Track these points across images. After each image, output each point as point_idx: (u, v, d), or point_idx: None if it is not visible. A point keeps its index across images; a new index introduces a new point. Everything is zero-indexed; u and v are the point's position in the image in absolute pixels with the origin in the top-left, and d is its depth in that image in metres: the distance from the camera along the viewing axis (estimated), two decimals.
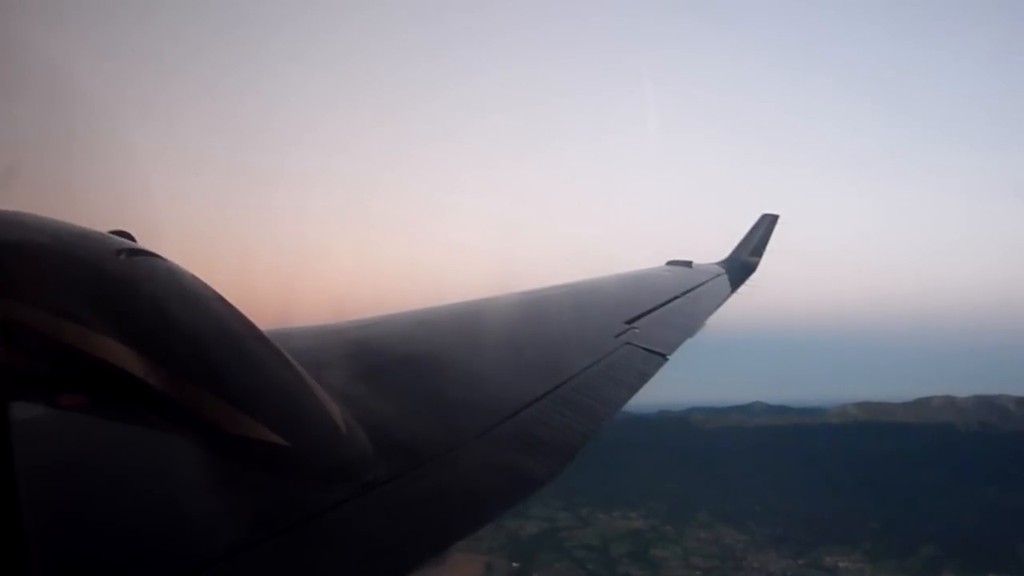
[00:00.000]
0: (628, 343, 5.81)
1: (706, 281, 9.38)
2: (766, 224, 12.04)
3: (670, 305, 7.55)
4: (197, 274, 3.16)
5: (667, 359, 5.93)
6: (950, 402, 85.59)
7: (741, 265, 11.01)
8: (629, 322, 6.29)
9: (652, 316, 6.84)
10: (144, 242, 3.28)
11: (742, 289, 10.04)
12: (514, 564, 56.97)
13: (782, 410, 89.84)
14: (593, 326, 6.24)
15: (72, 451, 2.52)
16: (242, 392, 2.79)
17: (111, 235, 3.23)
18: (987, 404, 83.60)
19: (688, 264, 9.97)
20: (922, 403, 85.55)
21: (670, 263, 9.90)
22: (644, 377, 5.44)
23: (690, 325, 7.23)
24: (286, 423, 2.77)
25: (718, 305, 8.68)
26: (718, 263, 10.94)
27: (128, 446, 2.67)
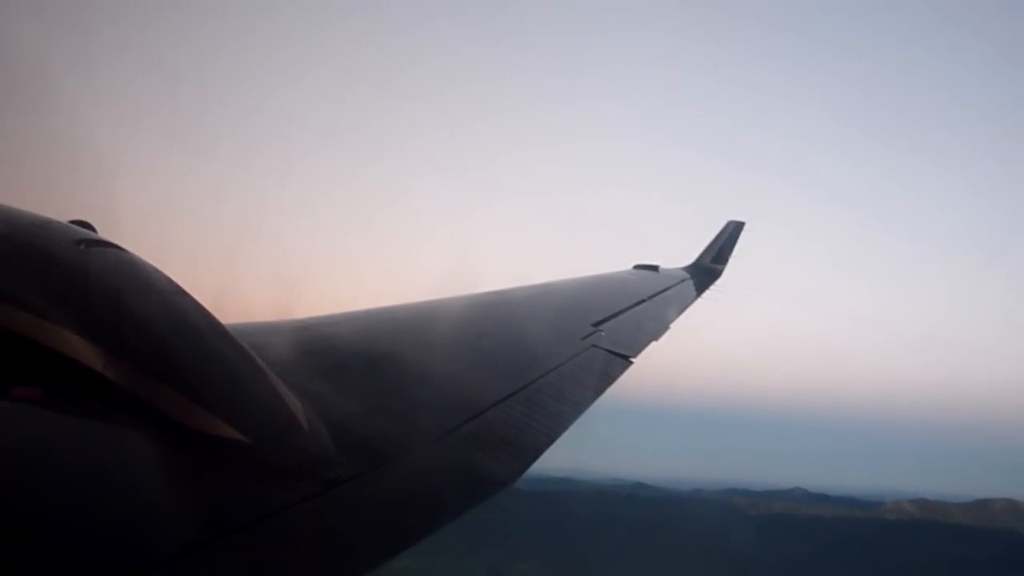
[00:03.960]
0: (594, 345, 5.84)
1: (672, 285, 9.44)
2: (731, 230, 12.16)
3: (636, 308, 7.60)
4: (159, 267, 3.11)
5: (632, 362, 5.98)
6: (1013, 506, 78.07)
7: (706, 271, 11.10)
8: (595, 324, 6.32)
9: (618, 319, 6.87)
10: (105, 233, 3.22)
11: (707, 294, 10.14)
12: None
13: (823, 499, 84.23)
14: (559, 328, 6.25)
15: (24, 444, 2.46)
16: (202, 387, 2.75)
17: (71, 225, 3.17)
18: None
19: (655, 268, 10.04)
20: (983, 505, 78.59)
21: (637, 267, 9.95)
22: (609, 380, 5.47)
23: (656, 329, 7.29)
24: (247, 419, 2.73)
25: (683, 310, 8.76)
26: (684, 268, 11.03)
27: (83, 440, 2.62)
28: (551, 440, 4.14)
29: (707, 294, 10.14)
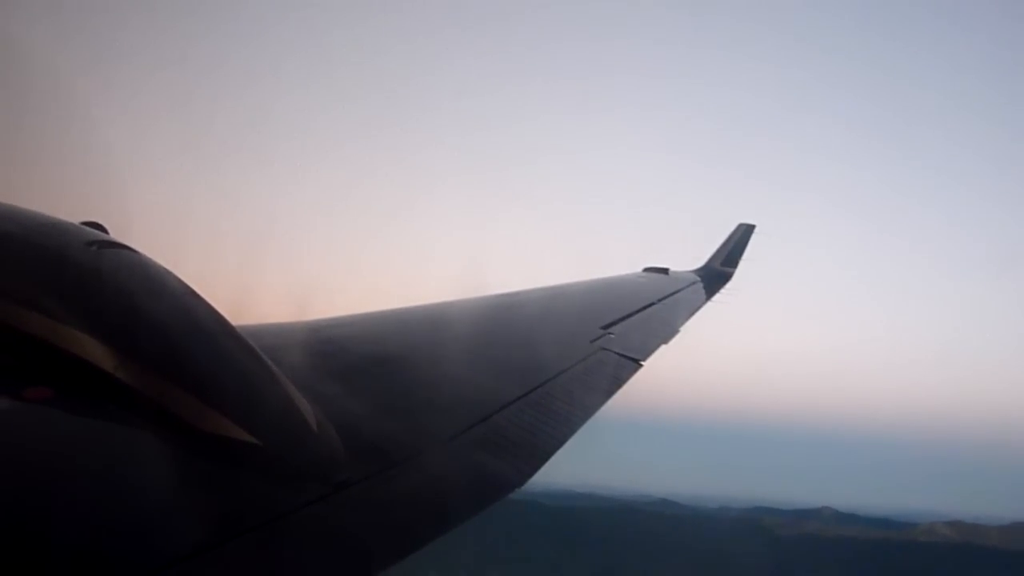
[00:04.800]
0: (604, 348, 5.82)
1: (682, 288, 9.42)
2: (741, 233, 12.13)
3: (646, 311, 7.58)
4: (171, 269, 3.12)
5: (642, 365, 5.96)
6: None
7: (716, 274, 11.07)
8: (605, 327, 6.31)
9: (628, 322, 6.86)
10: (117, 234, 3.23)
11: (718, 297, 10.10)
12: None
13: (853, 519, 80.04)
14: (569, 330, 6.24)
15: (36, 445, 2.47)
16: (212, 388, 2.75)
17: (83, 226, 3.18)
18: None
19: (665, 271, 10.01)
20: (1021, 528, 72.32)
21: (647, 269, 9.93)
22: (619, 383, 5.45)
23: (665, 332, 7.27)
24: (257, 420, 2.73)
25: (693, 313, 8.73)
26: (693, 271, 11.00)
27: (94, 441, 2.62)
28: (561, 443, 4.13)
29: (717, 297, 10.11)
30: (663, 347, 6.78)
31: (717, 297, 10.10)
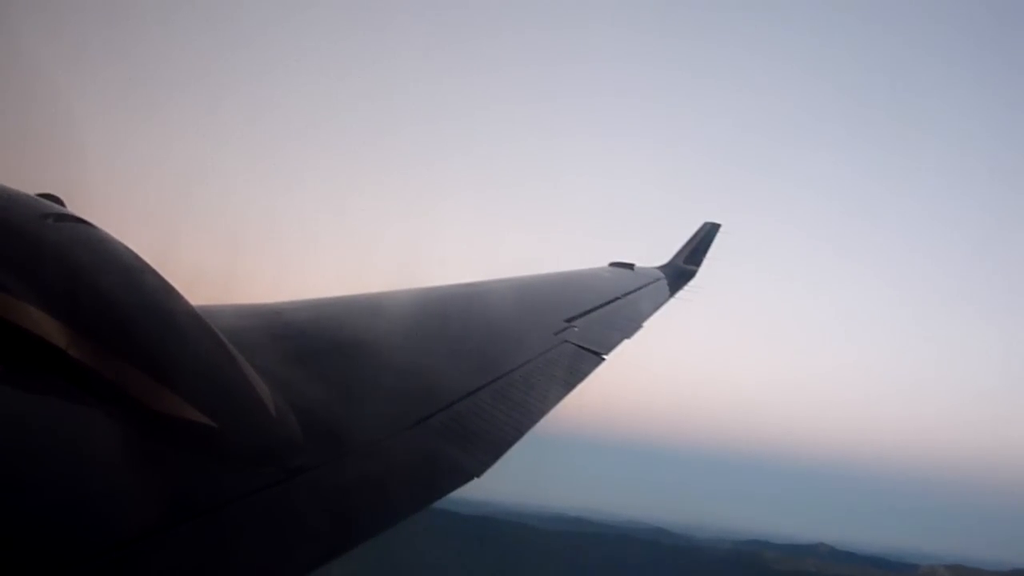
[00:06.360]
0: (567, 341, 5.85)
1: (647, 284, 9.49)
2: (706, 232, 12.24)
3: (610, 306, 7.62)
4: (130, 246, 3.06)
5: (604, 359, 6.00)
6: None
7: (680, 271, 11.17)
8: (569, 320, 6.33)
9: (592, 316, 6.89)
10: (74, 207, 3.16)
11: (681, 294, 10.20)
12: None
13: (850, 556, 79.94)
14: (533, 322, 6.26)
15: None
16: (168, 368, 2.71)
17: (39, 198, 3.10)
18: None
19: (630, 266, 10.08)
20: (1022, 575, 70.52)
21: (613, 264, 9.99)
22: (581, 376, 5.48)
23: (629, 327, 7.32)
24: (213, 402, 2.70)
25: (656, 309, 8.81)
26: (659, 267, 11.09)
27: (44, 418, 2.57)
28: (520, 434, 4.14)
29: (680, 294, 10.21)
30: (625, 342, 6.84)
31: (680, 294, 10.20)
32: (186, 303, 3.05)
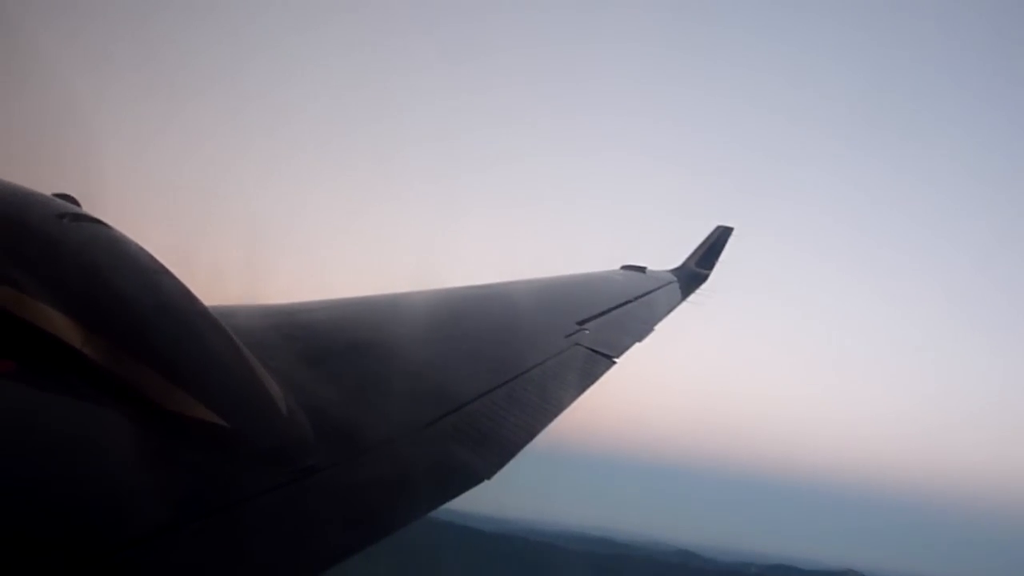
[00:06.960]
0: (578, 344, 5.84)
1: (658, 287, 9.46)
2: (718, 235, 12.20)
3: (622, 309, 7.60)
4: (145, 247, 3.08)
5: (615, 362, 5.98)
6: None
7: (692, 275, 11.13)
8: (581, 323, 6.32)
9: (604, 319, 6.88)
10: (89, 208, 3.18)
11: (692, 298, 10.16)
12: None
13: None
14: (544, 325, 6.25)
15: None
16: (181, 367, 2.73)
17: (55, 198, 3.13)
18: None
19: (642, 270, 10.05)
20: None
21: (625, 267, 9.97)
22: (592, 379, 5.47)
23: (640, 330, 7.30)
24: (225, 402, 2.71)
25: (668, 312, 8.78)
26: (670, 271, 11.06)
27: (58, 417, 2.59)
28: (531, 436, 4.14)
29: (692, 298, 10.17)
30: (637, 345, 6.82)
31: (692, 298, 10.16)
32: (200, 304, 3.07)
